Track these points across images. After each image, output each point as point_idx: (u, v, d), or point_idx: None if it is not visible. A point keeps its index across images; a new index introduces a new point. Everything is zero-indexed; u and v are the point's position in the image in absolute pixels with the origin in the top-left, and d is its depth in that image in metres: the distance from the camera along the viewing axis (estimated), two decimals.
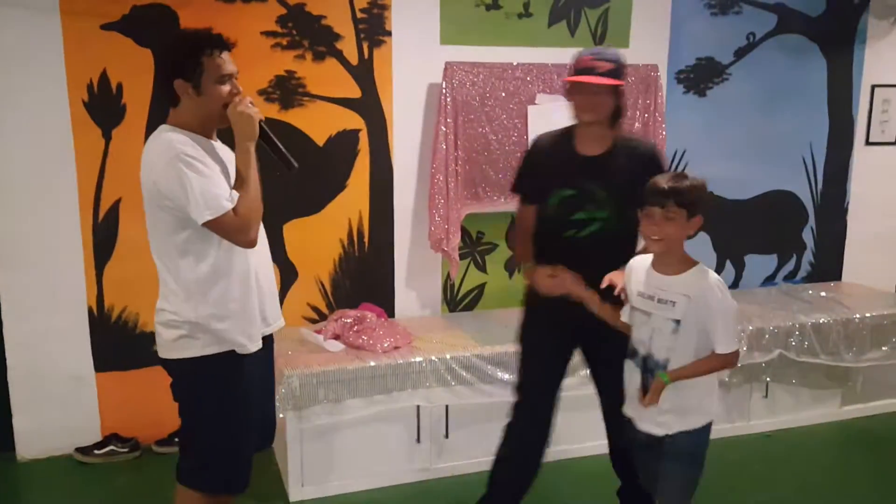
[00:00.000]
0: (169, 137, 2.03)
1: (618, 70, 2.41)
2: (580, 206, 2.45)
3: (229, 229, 2.02)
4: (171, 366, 2.17)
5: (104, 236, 3.40)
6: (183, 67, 2.05)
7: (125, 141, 3.34)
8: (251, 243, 2.07)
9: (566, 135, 2.54)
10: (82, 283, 3.40)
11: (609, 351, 2.40)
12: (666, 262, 2.19)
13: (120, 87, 3.31)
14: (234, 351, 2.13)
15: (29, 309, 3.34)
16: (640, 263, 2.28)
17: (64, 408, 3.46)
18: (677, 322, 2.13)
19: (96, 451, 3.44)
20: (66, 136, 3.28)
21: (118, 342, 3.49)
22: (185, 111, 2.10)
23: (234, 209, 2.02)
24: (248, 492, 2.29)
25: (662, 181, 2.12)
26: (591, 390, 2.72)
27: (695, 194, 2.11)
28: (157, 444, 3.53)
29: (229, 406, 2.17)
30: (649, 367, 2.20)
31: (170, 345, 2.13)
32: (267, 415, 2.42)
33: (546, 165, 2.56)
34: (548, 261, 2.47)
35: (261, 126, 2.10)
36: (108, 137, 3.33)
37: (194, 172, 1.98)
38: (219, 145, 2.19)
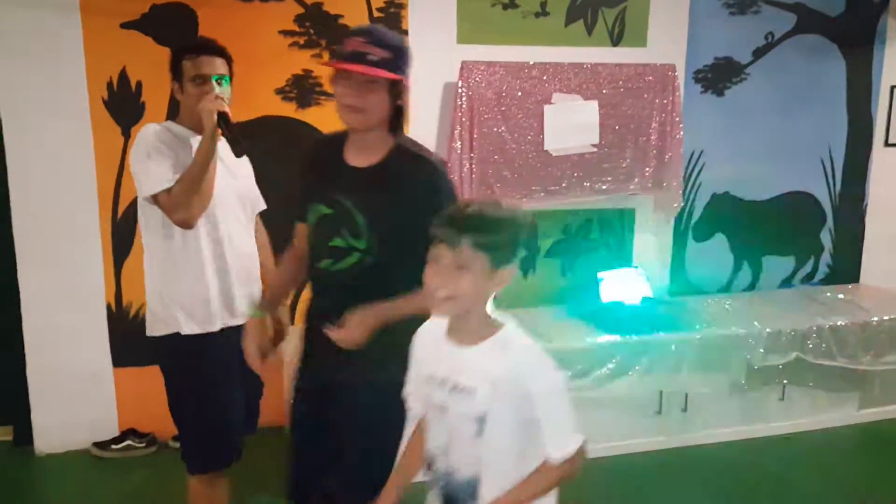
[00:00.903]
0: (147, 127, 2.31)
1: (397, 60, 1.86)
2: (337, 230, 1.92)
3: (164, 207, 2.22)
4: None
5: (122, 233, 3.43)
6: (173, 70, 2.35)
7: None
8: (184, 223, 2.22)
9: (340, 137, 2.02)
10: (101, 279, 3.44)
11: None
12: (461, 327, 1.55)
13: (139, 85, 3.34)
14: (178, 332, 2.29)
15: (48, 305, 3.38)
16: (430, 330, 1.63)
17: (82, 403, 3.49)
18: (481, 420, 1.50)
19: (113, 446, 3.47)
20: (85, 134, 3.32)
21: (136, 338, 3.48)
22: (181, 108, 2.39)
23: (169, 189, 2.20)
24: (264, 488, 2.32)
25: (458, 211, 1.50)
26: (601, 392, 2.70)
27: (507, 233, 1.48)
28: (173, 439, 3.55)
29: (190, 387, 2.35)
30: (452, 492, 1.58)
31: (147, 323, 2.39)
32: (249, 401, 2.52)
33: (311, 173, 2.06)
34: (313, 297, 2.08)
35: (219, 117, 2.22)
36: (127, 135, 3.36)
37: (146, 154, 2.23)
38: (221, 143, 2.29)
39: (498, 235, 1.46)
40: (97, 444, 3.48)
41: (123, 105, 3.34)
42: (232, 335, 2.31)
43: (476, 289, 1.47)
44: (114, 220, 3.41)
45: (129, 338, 3.50)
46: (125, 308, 3.49)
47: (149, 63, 3.30)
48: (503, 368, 1.48)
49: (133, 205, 3.41)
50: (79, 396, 3.48)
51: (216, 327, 2.34)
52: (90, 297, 3.43)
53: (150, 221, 2.31)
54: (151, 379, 3.54)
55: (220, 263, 2.33)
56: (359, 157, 1.95)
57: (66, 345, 3.44)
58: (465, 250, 1.44)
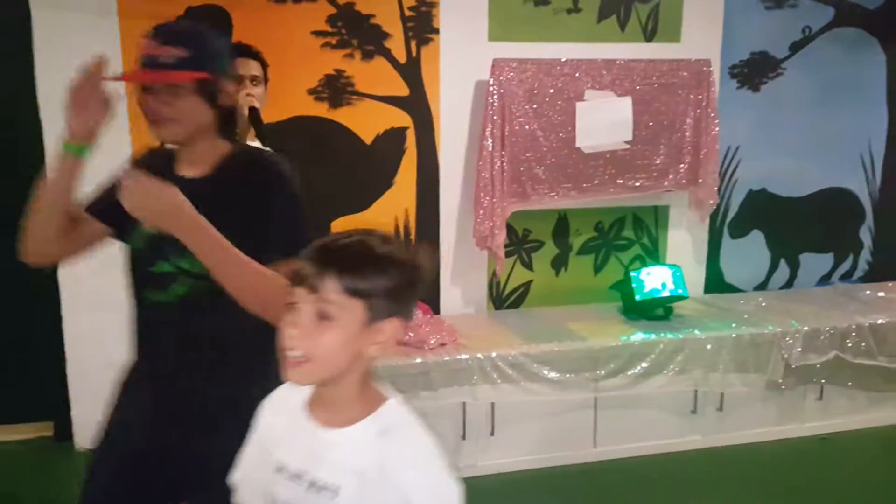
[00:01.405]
0: None
1: (198, 56, 1.59)
2: (160, 251, 1.59)
3: None
4: None
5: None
6: None
7: None
8: None
9: (170, 149, 1.74)
10: None
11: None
12: (326, 401, 1.18)
13: None
14: None
15: (87, 303, 3.44)
16: (285, 400, 1.24)
17: None
18: None
19: None
20: (123, 137, 3.37)
21: None
22: None
23: None
24: None
25: (325, 243, 1.14)
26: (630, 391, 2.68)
27: (392, 275, 1.13)
28: None
29: None
30: None
31: None
32: None
33: None
34: (131, 349, 1.80)
35: (250, 112, 2.27)
36: None
37: None
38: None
39: (379, 277, 1.11)
40: None
41: None
42: None
43: (344, 349, 1.10)
44: None
45: None
46: None
47: None
48: (377, 462, 1.11)
49: None
50: None
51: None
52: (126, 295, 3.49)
53: None
54: None
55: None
56: (191, 168, 1.66)
57: (104, 342, 3.49)
58: (331, 295, 1.08)
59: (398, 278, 1.13)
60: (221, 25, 3.36)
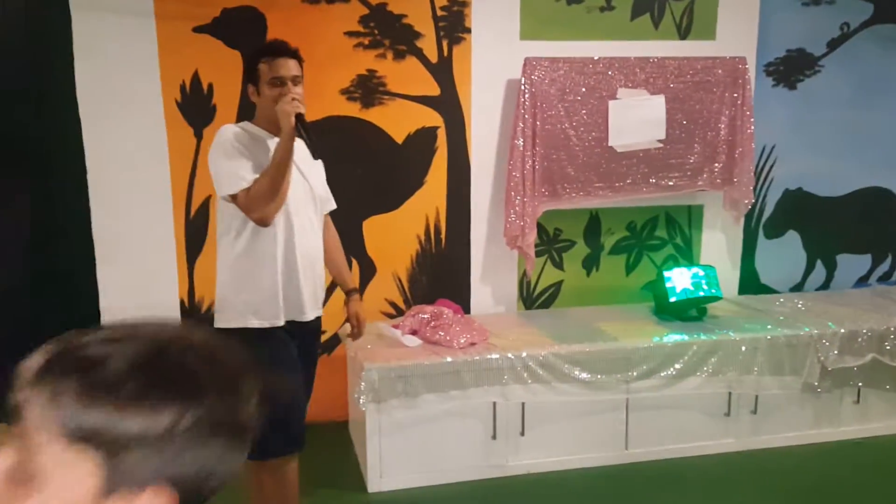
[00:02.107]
0: (225, 127, 2.41)
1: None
2: None
3: (242, 206, 2.30)
4: None
5: (195, 232, 3.54)
6: (249, 73, 2.42)
7: None
8: (261, 221, 2.31)
9: None
10: (175, 276, 3.56)
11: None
12: None
13: (210, 87, 3.44)
14: (247, 326, 2.38)
15: (125, 300, 3.51)
16: None
17: None
18: None
19: None
20: (160, 135, 3.43)
21: None
22: (257, 110, 2.46)
23: (248, 189, 2.27)
24: (328, 481, 2.35)
25: (55, 348, 0.67)
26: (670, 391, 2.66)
27: (165, 411, 0.65)
28: None
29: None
30: None
31: (215, 315, 2.48)
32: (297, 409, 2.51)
33: None
34: None
35: (296, 119, 2.27)
36: (199, 136, 3.47)
37: (225, 155, 2.33)
38: (295, 143, 2.33)
39: (137, 410, 0.64)
40: None
41: (196, 107, 3.45)
42: (296, 330, 2.43)
43: None
44: (187, 218, 3.53)
45: None
46: (197, 303, 3.60)
47: (220, 65, 3.40)
48: None
49: (206, 204, 3.52)
50: None
51: (282, 322, 2.41)
52: (164, 292, 3.56)
53: (225, 219, 2.39)
54: None
55: (290, 261, 2.40)
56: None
57: None
58: (39, 437, 0.64)
59: (179, 414, 0.65)
60: (256, 26, 3.40)
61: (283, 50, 2.38)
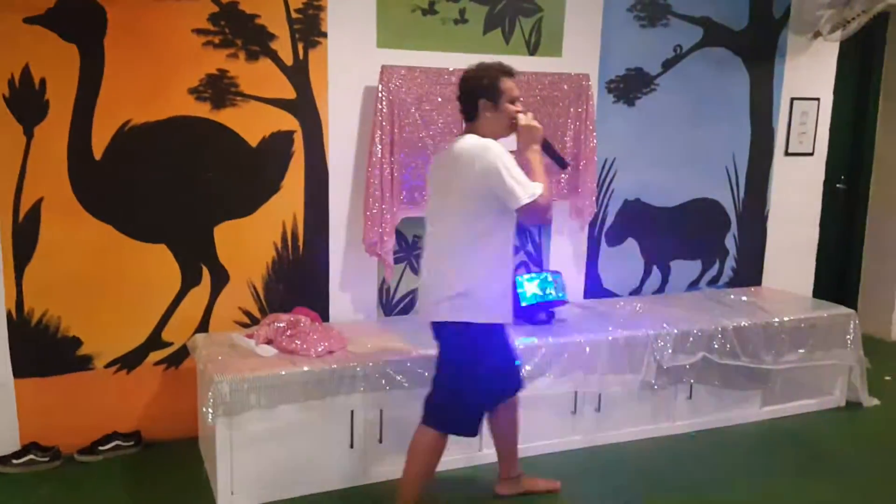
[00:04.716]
0: (485, 142, 2.62)
1: None
2: None
3: (539, 209, 2.61)
4: (447, 327, 2.75)
5: (24, 238, 3.26)
6: (486, 89, 2.70)
7: (48, 138, 3.22)
8: (551, 220, 2.83)
9: None
10: (0, 286, 3.26)
11: None
12: None
13: (43, 82, 3.19)
14: (490, 322, 2.71)
15: None
16: None
17: None
18: None
19: (15, 461, 3.30)
20: None
21: (38, 347, 3.35)
22: (483, 124, 2.73)
23: (542, 194, 2.60)
24: (176, 500, 2.25)
25: None
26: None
27: None
28: (79, 452, 3.41)
29: (489, 364, 2.75)
30: None
31: (446, 311, 2.71)
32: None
33: None
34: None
35: None
36: (29, 135, 3.21)
37: (511, 167, 2.58)
38: None
39: None
40: None
41: (26, 103, 3.18)
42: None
43: None
44: (14, 223, 3.24)
45: (30, 347, 3.34)
46: (27, 315, 3.32)
47: (54, 60, 3.16)
48: None
49: (36, 207, 3.25)
50: None
51: (510, 321, 2.83)
52: None
53: (484, 224, 2.65)
54: (54, 390, 3.42)
55: (511, 264, 2.86)
56: None
57: None
58: None
59: None
60: (95, 20, 3.19)
61: (512, 71, 2.76)
